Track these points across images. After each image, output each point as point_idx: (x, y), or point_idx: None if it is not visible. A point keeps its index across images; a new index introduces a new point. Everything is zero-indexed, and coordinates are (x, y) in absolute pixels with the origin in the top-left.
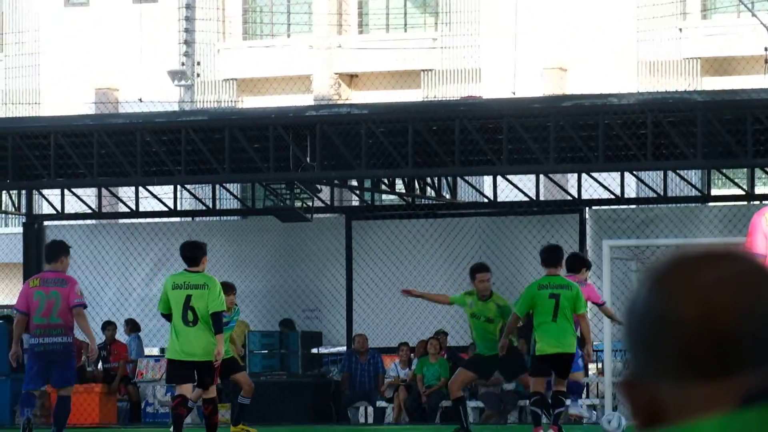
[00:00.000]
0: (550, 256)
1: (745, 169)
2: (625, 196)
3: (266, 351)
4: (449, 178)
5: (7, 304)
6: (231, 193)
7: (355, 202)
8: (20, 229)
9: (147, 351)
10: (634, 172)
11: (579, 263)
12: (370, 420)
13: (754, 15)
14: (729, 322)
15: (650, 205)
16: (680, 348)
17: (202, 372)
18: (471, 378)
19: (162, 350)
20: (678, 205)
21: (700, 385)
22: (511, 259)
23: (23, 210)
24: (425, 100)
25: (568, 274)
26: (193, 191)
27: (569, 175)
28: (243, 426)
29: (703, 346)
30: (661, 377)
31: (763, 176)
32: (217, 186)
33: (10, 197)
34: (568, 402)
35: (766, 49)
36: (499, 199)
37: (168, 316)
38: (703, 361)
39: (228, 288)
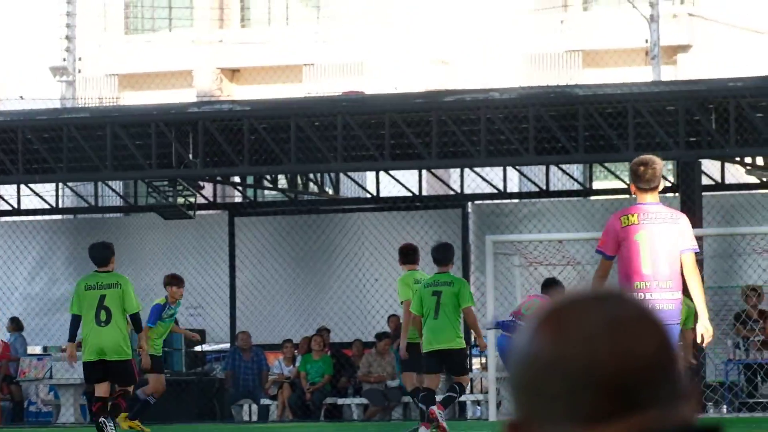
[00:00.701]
0: (438, 254)
1: (627, 163)
2: (508, 190)
3: None
4: (332, 174)
5: None
6: (113, 191)
7: (238, 199)
8: None
9: (30, 350)
10: (517, 167)
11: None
12: (254, 418)
13: (634, 7)
14: (615, 366)
15: (533, 200)
16: (567, 392)
17: (117, 370)
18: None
19: (45, 349)
20: (560, 199)
21: (586, 430)
22: (393, 255)
23: None
24: (308, 95)
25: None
26: (75, 189)
27: (452, 170)
28: (138, 424)
29: (590, 391)
30: (548, 421)
31: None
32: (100, 183)
33: None
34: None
35: (646, 41)
36: (381, 195)
37: (78, 318)
38: (589, 406)
39: (176, 281)
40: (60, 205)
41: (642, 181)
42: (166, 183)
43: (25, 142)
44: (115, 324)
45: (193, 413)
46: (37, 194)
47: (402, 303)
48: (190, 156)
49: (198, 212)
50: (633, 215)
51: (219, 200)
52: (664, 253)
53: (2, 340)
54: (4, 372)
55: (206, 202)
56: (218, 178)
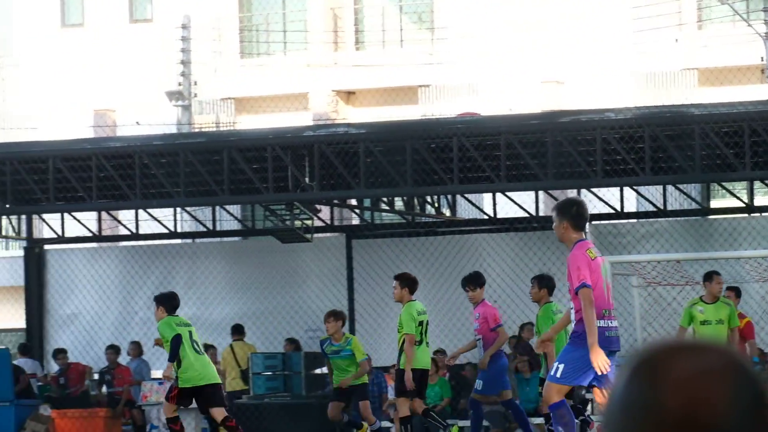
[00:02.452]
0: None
1: (745, 182)
2: (625, 210)
3: (270, 372)
4: (449, 196)
5: (8, 327)
6: (231, 215)
7: (355, 221)
8: (21, 253)
9: (152, 374)
10: (633, 187)
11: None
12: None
13: (749, 25)
14: (710, 415)
15: (650, 219)
16: None
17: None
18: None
19: None
20: (678, 218)
21: None
22: (512, 276)
23: (24, 234)
24: (423, 117)
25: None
26: (192, 213)
27: (568, 190)
28: None
29: None
30: None
31: (763, 188)
32: (217, 207)
33: (10, 222)
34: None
35: (762, 59)
36: (498, 216)
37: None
38: None
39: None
40: (178, 230)
41: (583, 219)
42: (283, 206)
43: (142, 168)
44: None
45: None
46: (155, 219)
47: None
48: (307, 179)
49: (315, 235)
50: (592, 249)
51: (336, 223)
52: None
53: (123, 365)
54: (126, 397)
55: (323, 225)
56: (335, 201)
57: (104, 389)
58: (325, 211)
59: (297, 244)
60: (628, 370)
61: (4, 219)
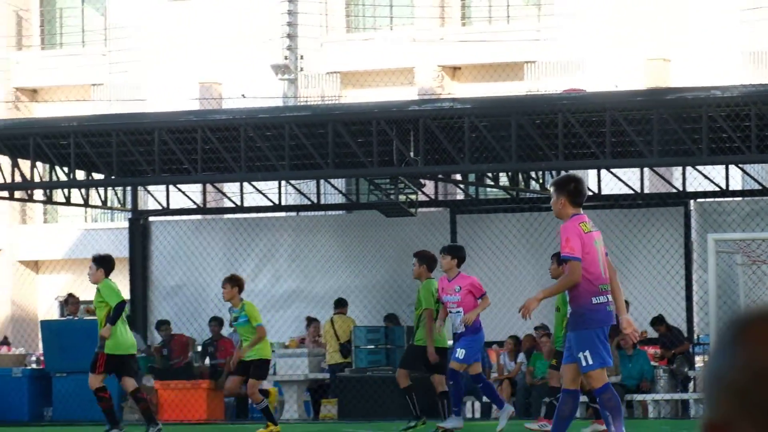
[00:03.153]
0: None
1: None
2: (730, 188)
3: (372, 346)
4: (553, 172)
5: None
6: (335, 188)
7: (460, 196)
8: (126, 224)
9: None
10: (739, 165)
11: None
12: (477, 415)
13: None
14: None
15: (756, 198)
16: None
17: None
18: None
19: (270, 344)
20: None
21: None
22: (616, 253)
23: (129, 206)
24: (528, 93)
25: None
26: (297, 186)
27: (673, 167)
28: None
29: None
30: (751, 424)
31: None
32: (321, 181)
33: (116, 193)
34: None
35: None
36: (603, 193)
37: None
38: None
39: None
40: (282, 203)
41: (581, 195)
42: (387, 180)
43: (247, 140)
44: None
45: None
46: (260, 191)
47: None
48: (411, 153)
49: (420, 209)
50: (586, 223)
51: (440, 198)
52: (605, 258)
53: (226, 337)
54: (228, 369)
55: (428, 199)
56: (439, 176)
57: (207, 361)
58: (429, 186)
59: (401, 219)
60: (736, 333)
61: (110, 190)
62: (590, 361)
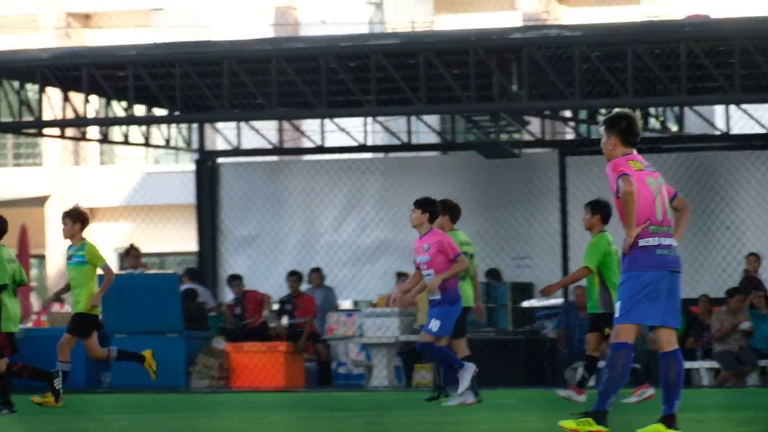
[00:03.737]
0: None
1: None
2: None
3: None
4: (675, 108)
5: (178, 250)
6: (428, 126)
7: (569, 135)
8: (192, 167)
9: (339, 304)
10: None
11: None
12: (592, 382)
13: None
14: None
15: None
16: None
17: None
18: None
19: (355, 303)
20: None
21: None
22: (746, 199)
23: (195, 146)
24: (646, 19)
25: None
26: (385, 124)
27: None
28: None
29: None
30: None
31: None
32: (413, 118)
33: (180, 131)
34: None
35: None
36: (732, 132)
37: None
38: None
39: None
40: (368, 143)
41: (633, 134)
42: (487, 118)
43: (328, 72)
44: None
45: (522, 376)
46: (343, 130)
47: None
48: (514, 87)
49: (524, 150)
50: (638, 162)
51: (548, 137)
52: (666, 199)
53: (306, 294)
54: (309, 329)
55: (533, 139)
56: (546, 113)
57: (284, 320)
58: (535, 124)
59: (503, 161)
60: None
61: (174, 128)
62: (617, 313)
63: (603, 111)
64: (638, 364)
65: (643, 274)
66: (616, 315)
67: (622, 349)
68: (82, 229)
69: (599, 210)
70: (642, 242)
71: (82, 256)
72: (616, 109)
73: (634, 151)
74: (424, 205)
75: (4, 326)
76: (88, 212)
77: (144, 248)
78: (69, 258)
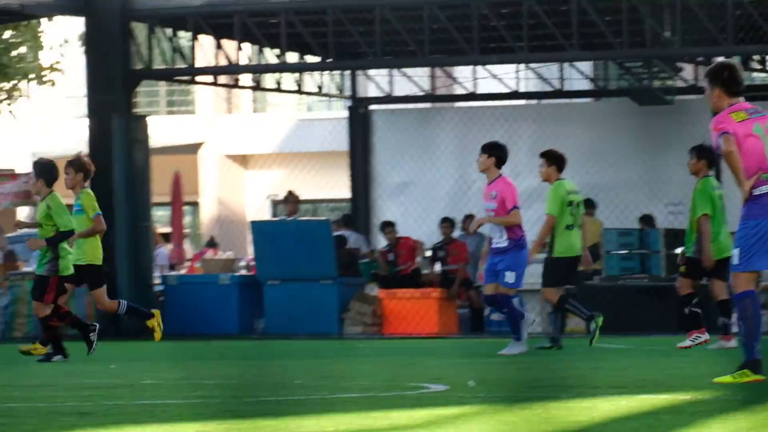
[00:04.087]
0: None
1: None
2: None
3: (624, 251)
4: None
5: (330, 197)
6: (580, 72)
7: None
8: (345, 114)
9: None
10: None
11: None
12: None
13: None
14: None
15: None
16: None
17: None
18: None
19: None
20: None
21: None
22: None
23: (348, 93)
24: None
25: None
26: (537, 70)
27: None
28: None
29: None
30: None
31: None
32: (565, 65)
33: (333, 79)
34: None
35: None
36: None
37: None
38: None
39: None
40: (521, 89)
41: (736, 84)
42: (639, 64)
43: (480, 18)
44: None
45: (675, 323)
46: (495, 76)
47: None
48: (667, 33)
49: (677, 97)
50: (741, 112)
51: (701, 84)
52: None
53: (459, 241)
54: (462, 276)
55: (686, 85)
56: (699, 59)
57: (437, 267)
58: (688, 70)
59: (656, 107)
60: None
61: (326, 75)
62: (735, 260)
63: (756, 57)
64: (699, 309)
65: (758, 223)
66: (734, 263)
67: (745, 298)
68: (85, 179)
69: (704, 154)
70: (756, 191)
71: (79, 205)
72: (719, 59)
73: (741, 100)
74: (491, 149)
75: (63, 271)
76: (91, 164)
77: (300, 194)
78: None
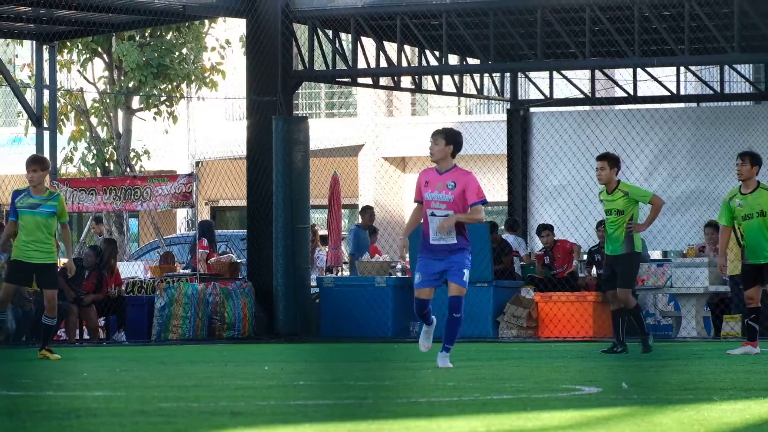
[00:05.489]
0: None
1: None
2: None
3: None
4: None
5: (492, 200)
6: (741, 75)
7: None
8: (504, 117)
9: (649, 254)
10: None
11: None
12: None
13: None
14: None
15: None
16: None
17: None
18: None
19: (665, 254)
20: None
21: None
22: None
23: (507, 95)
24: None
25: None
26: (698, 73)
27: None
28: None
29: None
30: None
31: None
32: (726, 67)
33: (493, 80)
34: None
35: None
36: None
37: None
38: None
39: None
40: (681, 92)
41: None
42: None
43: (641, 21)
44: None
45: None
46: (655, 79)
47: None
48: None
49: None
50: None
51: None
52: None
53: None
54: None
55: None
56: None
57: (594, 271)
58: None
59: None
60: None
61: (486, 78)
62: None
63: None
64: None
65: None
66: None
67: None
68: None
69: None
70: None
71: (53, 207)
72: None
73: None
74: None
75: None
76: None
77: None
78: (33, 207)
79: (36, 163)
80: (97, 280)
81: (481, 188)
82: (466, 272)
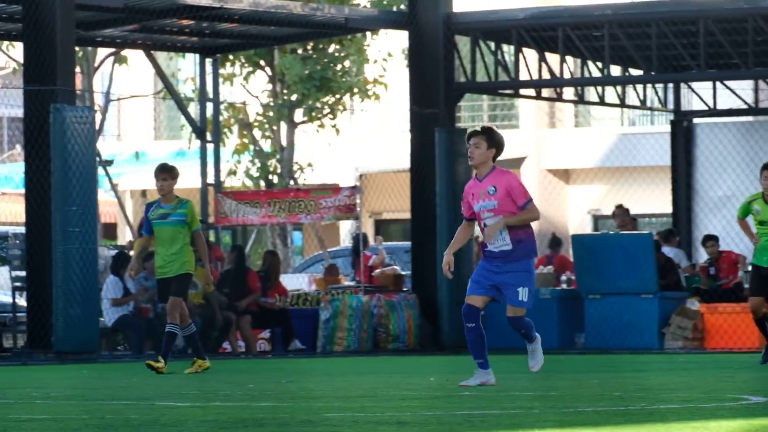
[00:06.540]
0: None
1: None
2: None
3: None
4: None
5: (654, 212)
6: None
7: None
8: (668, 128)
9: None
10: None
11: None
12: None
13: None
14: None
15: None
16: None
17: None
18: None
19: None
20: None
21: None
22: None
23: (671, 106)
24: None
25: None
26: None
27: None
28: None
29: None
30: None
31: None
32: None
33: (656, 92)
34: None
35: None
36: None
37: None
38: None
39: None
40: None
41: None
42: None
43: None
44: None
45: None
46: None
47: None
48: None
49: None
50: None
51: None
52: None
53: None
54: None
55: None
56: None
57: None
58: None
59: None
60: None
61: (649, 89)
62: None
63: None
64: None
65: None
66: None
67: None
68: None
69: None
70: None
71: (183, 215)
72: None
73: None
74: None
75: None
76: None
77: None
78: (164, 216)
79: (165, 171)
80: (242, 285)
81: (524, 186)
82: (522, 290)
